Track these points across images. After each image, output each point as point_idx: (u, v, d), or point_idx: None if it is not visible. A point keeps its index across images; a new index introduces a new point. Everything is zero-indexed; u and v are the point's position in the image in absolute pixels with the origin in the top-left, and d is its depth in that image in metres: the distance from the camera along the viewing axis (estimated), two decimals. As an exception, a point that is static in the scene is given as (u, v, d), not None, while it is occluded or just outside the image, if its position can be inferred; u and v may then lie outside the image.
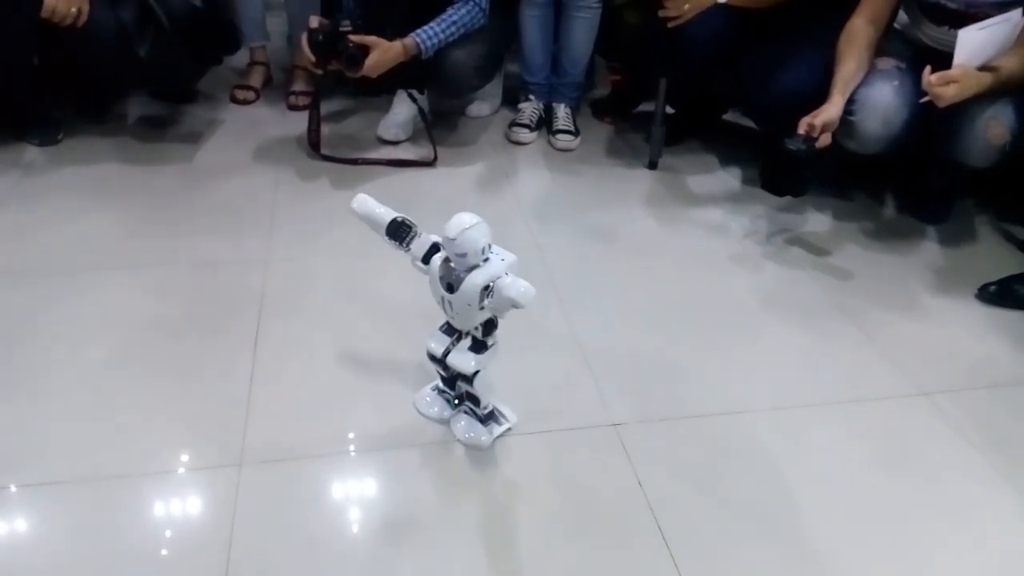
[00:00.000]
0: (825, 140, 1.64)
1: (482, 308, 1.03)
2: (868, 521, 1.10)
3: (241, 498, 1.07)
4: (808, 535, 1.07)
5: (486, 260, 1.03)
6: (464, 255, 1.01)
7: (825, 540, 1.07)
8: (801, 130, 1.62)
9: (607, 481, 1.14)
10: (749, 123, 2.26)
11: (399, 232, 1.10)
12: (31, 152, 1.96)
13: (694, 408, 1.28)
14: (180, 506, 1.07)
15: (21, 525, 1.03)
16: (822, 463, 1.20)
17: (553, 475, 1.14)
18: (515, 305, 0.99)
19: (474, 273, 1.02)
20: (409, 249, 1.10)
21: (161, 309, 1.44)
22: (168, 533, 1.03)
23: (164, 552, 1.00)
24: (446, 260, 1.05)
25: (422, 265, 1.09)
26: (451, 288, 1.05)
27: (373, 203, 1.12)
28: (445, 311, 1.09)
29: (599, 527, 1.07)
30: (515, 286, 0.98)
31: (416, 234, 1.09)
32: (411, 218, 1.11)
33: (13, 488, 1.07)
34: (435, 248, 1.08)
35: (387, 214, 1.11)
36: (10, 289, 1.47)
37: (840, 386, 1.36)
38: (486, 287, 1.01)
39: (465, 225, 1.00)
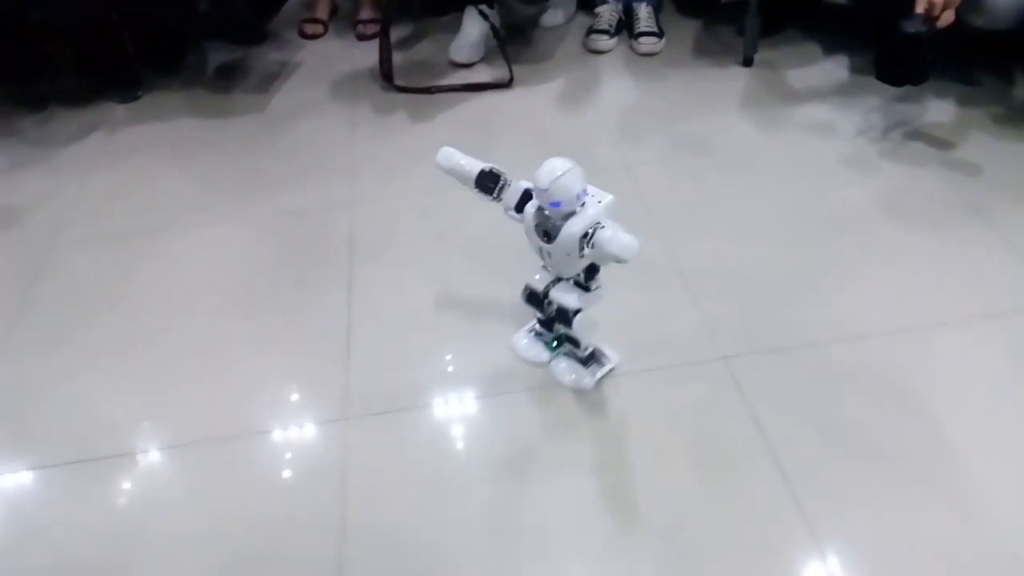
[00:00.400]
0: (947, 18, 1.45)
1: (582, 256, 0.97)
2: (1017, 452, 1.01)
3: (351, 452, 1.08)
4: (946, 469, 0.99)
5: (582, 205, 0.96)
6: (558, 204, 0.94)
7: (967, 474, 0.99)
8: (919, 9, 1.43)
9: (720, 419, 1.08)
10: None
11: (488, 183, 1.04)
12: (113, 111, 1.98)
13: (810, 334, 1.19)
14: (291, 465, 1.08)
15: (141, 490, 1.07)
16: (959, 388, 1.10)
17: (662, 415, 1.09)
18: (618, 260, 0.92)
19: (571, 221, 0.96)
20: (501, 199, 1.04)
21: (252, 263, 1.44)
22: (281, 494, 1.04)
23: (280, 512, 1.02)
24: (541, 207, 0.99)
25: (516, 214, 1.03)
26: (548, 236, 0.99)
27: (458, 156, 1.06)
28: (544, 260, 1.04)
29: (715, 466, 1.02)
30: (617, 240, 0.92)
31: (506, 183, 1.04)
32: (496, 162, 1.04)
33: (132, 454, 1.11)
34: (528, 195, 1.02)
35: (473, 166, 1.05)
36: (106, 251, 1.50)
37: (976, 299, 1.24)
38: (585, 234, 0.95)
39: (557, 172, 0.93)
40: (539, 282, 1.08)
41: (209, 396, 1.18)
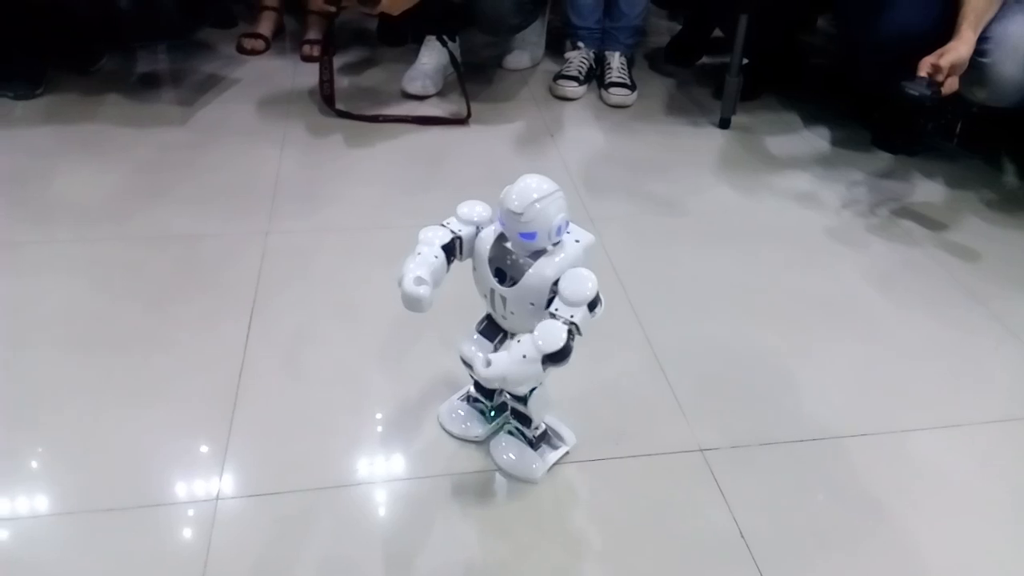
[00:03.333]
0: (951, 86, 1.32)
1: (551, 310, 0.72)
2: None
3: (216, 539, 0.81)
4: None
5: (555, 244, 0.74)
6: (532, 236, 0.72)
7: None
8: (923, 72, 1.30)
9: (696, 525, 0.85)
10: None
11: (452, 255, 0.79)
12: (7, 106, 1.71)
13: (800, 430, 0.98)
14: (145, 545, 0.80)
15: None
16: (961, 499, 0.90)
17: (626, 514, 0.85)
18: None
19: (543, 262, 0.74)
20: (461, 255, 0.80)
21: (134, 293, 1.17)
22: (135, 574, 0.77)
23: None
24: (500, 239, 0.77)
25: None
26: (503, 275, 0.76)
27: (424, 268, 0.75)
28: (493, 308, 0.80)
29: (689, 594, 0.79)
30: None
31: (457, 234, 0.78)
32: (444, 204, 0.81)
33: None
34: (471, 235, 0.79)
35: (437, 256, 0.77)
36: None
37: (980, 398, 1.06)
38: (556, 281, 0.73)
39: (534, 195, 0.71)
40: (472, 350, 0.82)
41: (53, 453, 0.90)
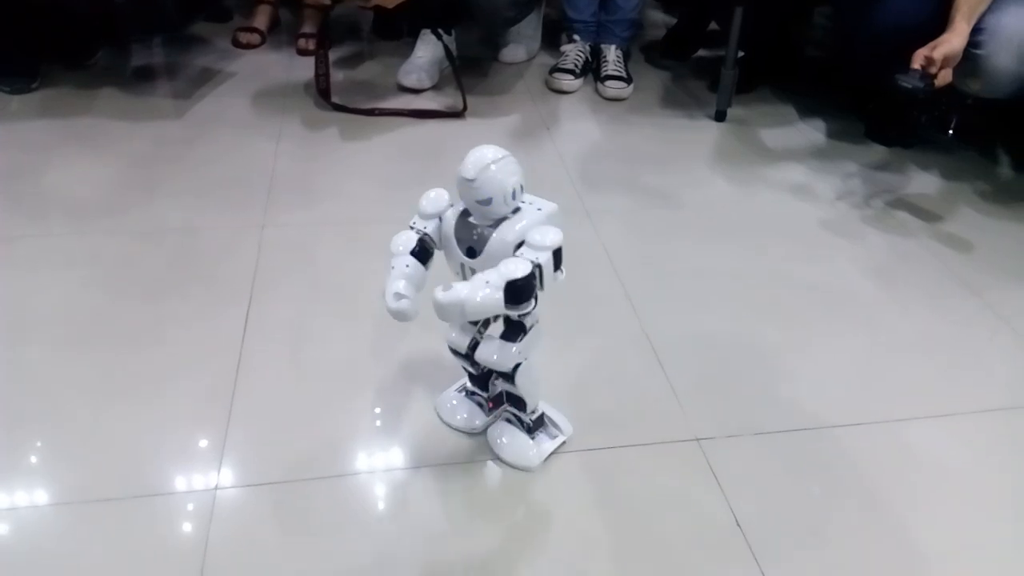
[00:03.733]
0: (945, 78, 1.32)
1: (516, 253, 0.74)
2: (1009, 566, 0.82)
3: (215, 528, 0.81)
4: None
5: (516, 211, 0.76)
6: (488, 201, 0.73)
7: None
8: (916, 64, 1.30)
9: (692, 513, 0.85)
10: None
11: (427, 252, 0.80)
12: (1, 100, 1.71)
13: (795, 419, 0.99)
14: (145, 535, 0.81)
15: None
16: (956, 490, 0.90)
17: (622, 503, 0.86)
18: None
19: (503, 226, 0.75)
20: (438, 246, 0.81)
21: (130, 286, 1.17)
22: (132, 564, 0.77)
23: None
24: (463, 215, 0.78)
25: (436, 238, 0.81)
26: (472, 252, 0.77)
27: (400, 282, 0.77)
28: (466, 282, 0.81)
29: (683, 572, 0.79)
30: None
31: (423, 232, 0.80)
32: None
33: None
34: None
35: (409, 264, 0.79)
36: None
37: (975, 388, 1.06)
38: (519, 244, 0.74)
39: (487, 160, 0.73)
40: (459, 337, 0.85)
41: (54, 445, 0.90)
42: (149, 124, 1.65)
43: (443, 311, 0.70)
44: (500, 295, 0.70)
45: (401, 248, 0.79)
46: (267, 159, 1.54)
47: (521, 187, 0.75)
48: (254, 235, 1.30)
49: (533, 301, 0.74)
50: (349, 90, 1.82)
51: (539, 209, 0.77)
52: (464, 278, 0.80)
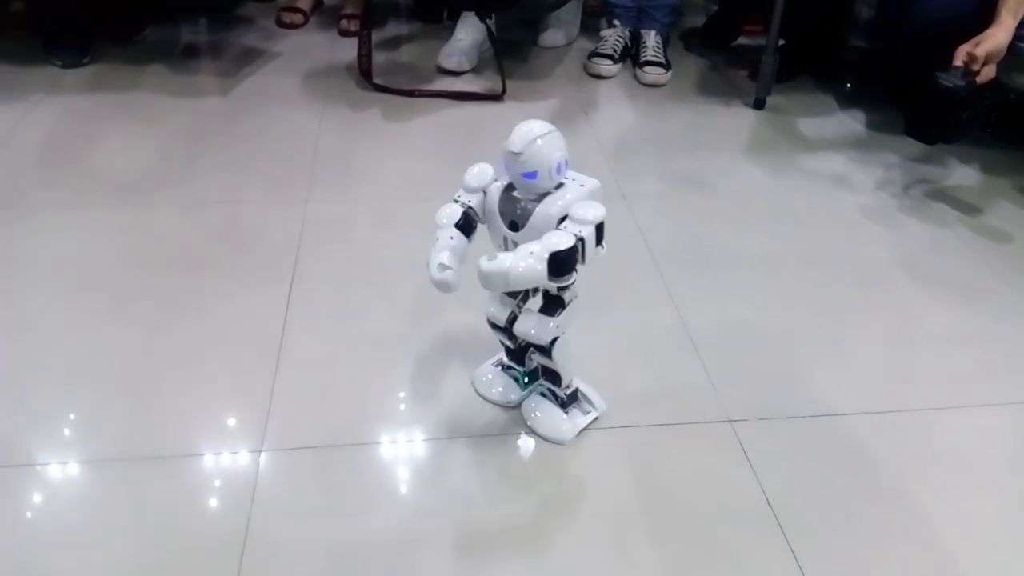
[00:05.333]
0: (988, 74, 1.31)
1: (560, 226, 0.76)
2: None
3: (260, 489, 0.85)
4: (962, 569, 0.80)
5: (560, 186, 0.77)
6: (534, 174, 0.75)
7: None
8: (958, 61, 1.30)
9: (723, 492, 0.87)
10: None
11: (471, 225, 0.82)
12: (56, 74, 1.76)
13: (827, 405, 1.00)
14: (193, 493, 0.85)
15: (34, 506, 0.83)
16: (984, 481, 0.91)
17: (653, 480, 0.88)
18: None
19: (547, 200, 0.77)
20: (482, 220, 0.84)
21: (178, 255, 1.21)
22: (180, 524, 0.81)
23: (172, 544, 0.78)
24: (507, 189, 0.80)
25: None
26: (515, 226, 0.79)
27: (444, 252, 0.79)
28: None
29: (713, 548, 0.81)
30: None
31: (468, 206, 0.82)
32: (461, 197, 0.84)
33: (30, 465, 0.87)
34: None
35: (453, 236, 0.81)
36: (11, 223, 1.26)
37: (1007, 381, 1.06)
38: (563, 218, 0.76)
39: (534, 134, 0.75)
40: (498, 310, 0.87)
41: (107, 406, 0.95)
42: (195, 100, 1.69)
43: (487, 280, 0.72)
44: (543, 266, 0.72)
45: (446, 220, 0.81)
46: (310, 137, 1.57)
47: (566, 162, 0.77)
48: (298, 210, 1.33)
49: (574, 274, 0.75)
50: (390, 71, 1.84)
51: (582, 185, 0.79)
52: (507, 251, 0.82)
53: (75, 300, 1.11)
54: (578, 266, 0.75)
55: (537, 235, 0.75)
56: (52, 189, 1.37)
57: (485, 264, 0.72)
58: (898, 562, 0.81)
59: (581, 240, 0.74)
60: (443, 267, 0.78)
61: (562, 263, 0.72)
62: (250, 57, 1.91)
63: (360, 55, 1.76)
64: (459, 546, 0.80)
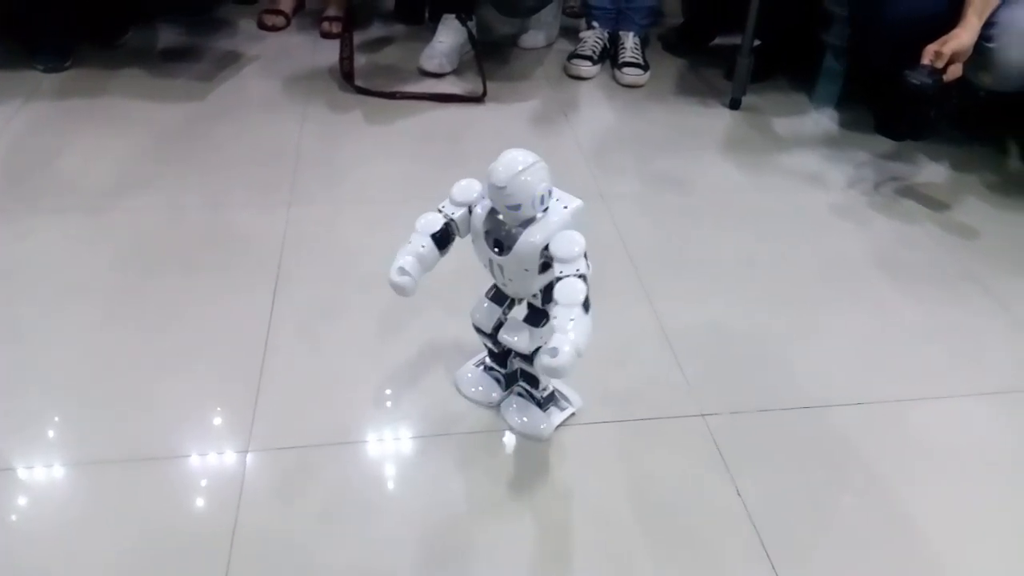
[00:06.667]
0: (955, 73, 1.35)
1: (543, 273, 0.79)
2: (1001, 540, 0.86)
3: (247, 489, 0.87)
4: (929, 554, 0.83)
5: (545, 210, 0.79)
6: (518, 207, 0.77)
7: (945, 558, 0.83)
8: (926, 60, 1.33)
9: (695, 485, 0.90)
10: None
11: (448, 237, 0.85)
12: (36, 78, 1.76)
13: (800, 397, 1.03)
14: (180, 494, 0.87)
15: (15, 508, 0.85)
16: (948, 466, 0.95)
17: (627, 474, 0.91)
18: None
19: (531, 229, 0.78)
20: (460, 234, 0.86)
21: (162, 259, 1.23)
22: (168, 524, 0.83)
23: (159, 545, 0.80)
24: (493, 211, 0.82)
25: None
26: (501, 248, 0.81)
27: (408, 258, 0.83)
28: (494, 276, 0.86)
29: (685, 541, 0.84)
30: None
31: (452, 220, 0.84)
32: (459, 179, 0.86)
33: (11, 470, 0.89)
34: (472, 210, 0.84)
35: (424, 244, 0.83)
36: (-4, 231, 1.28)
37: (976, 372, 1.10)
38: (546, 247, 0.78)
39: (518, 167, 0.75)
40: (484, 317, 0.90)
41: (92, 410, 0.96)
42: (176, 104, 1.70)
43: (564, 371, 0.71)
44: (587, 317, 0.74)
45: (422, 228, 0.83)
46: (292, 140, 1.59)
47: (550, 192, 0.78)
48: (281, 213, 1.35)
49: None
50: (372, 73, 1.86)
51: (565, 207, 0.80)
52: (492, 273, 0.85)
53: (60, 304, 1.13)
54: None
55: (521, 262, 0.78)
56: (36, 195, 1.38)
57: (555, 362, 0.70)
58: (869, 549, 0.84)
59: (583, 276, 0.76)
60: (402, 271, 0.81)
61: (586, 302, 0.75)
62: (231, 60, 1.92)
63: (342, 58, 1.78)
64: (445, 541, 0.83)
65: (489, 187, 0.77)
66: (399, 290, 0.81)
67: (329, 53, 1.90)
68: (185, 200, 1.38)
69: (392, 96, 1.76)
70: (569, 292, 0.74)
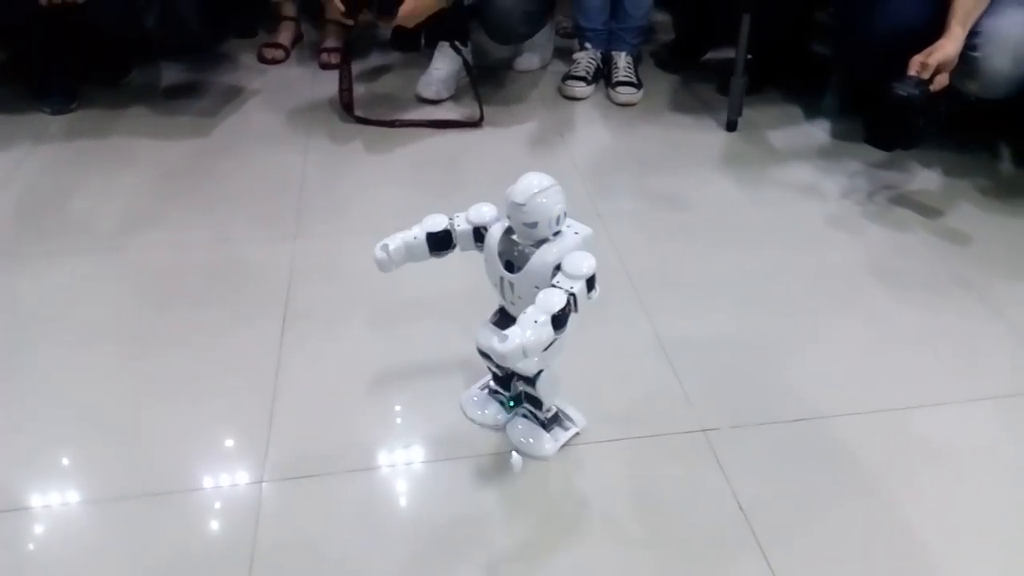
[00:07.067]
0: (941, 82, 1.38)
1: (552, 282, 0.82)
2: (1000, 544, 0.88)
3: (263, 519, 0.90)
4: (931, 560, 0.85)
5: (557, 233, 0.83)
6: (534, 225, 0.81)
7: (949, 566, 0.86)
8: (912, 71, 1.36)
9: (697, 500, 0.93)
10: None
11: (443, 246, 0.90)
12: (44, 120, 1.81)
13: (799, 409, 1.06)
14: (196, 527, 0.90)
15: (34, 545, 0.87)
16: (949, 473, 0.97)
17: (631, 491, 0.94)
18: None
19: (544, 248, 0.83)
20: (457, 245, 0.91)
21: (172, 295, 1.26)
22: (185, 554, 0.86)
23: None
24: (507, 232, 0.85)
25: (478, 246, 0.90)
26: (511, 267, 0.85)
27: (397, 241, 0.91)
28: (503, 295, 0.89)
29: (690, 552, 0.86)
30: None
31: (453, 229, 0.90)
32: (462, 204, 0.91)
33: (23, 509, 0.92)
34: (479, 233, 0.89)
35: (418, 237, 0.90)
36: (9, 271, 1.31)
37: (973, 378, 1.12)
38: (558, 266, 0.81)
39: (536, 188, 0.80)
40: (488, 339, 0.93)
41: (106, 446, 0.99)
42: (181, 141, 1.74)
43: (505, 359, 0.76)
44: (549, 327, 0.77)
45: (425, 224, 0.90)
46: (295, 171, 1.62)
47: (564, 214, 0.83)
48: (287, 245, 1.38)
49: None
50: (370, 102, 1.90)
51: (576, 233, 0.84)
52: (501, 291, 0.88)
53: (72, 343, 1.16)
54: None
55: (532, 279, 0.82)
56: (49, 236, 1.41)
57: (500, 346, 0.75)
58: (870, 559, 0.86)
59: (572, 295, 0.79)
60: (384, 248, 0.88)
61: (559, 319, 0.78)
62: (233, 94, 1.97)
63: (341, 89, 1.82)
64: (459, 560, 0.85)
65: (509, 205, 0.82)
66: (377, 264, 0.90)
67: (328, 84, 1.94)
68: (193, 236, 1.42)
69: (391, 124, 1.80)
70: (547, 299, 0.78)
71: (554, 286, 0.80)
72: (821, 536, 0.89)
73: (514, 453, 0.98)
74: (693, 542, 0.88)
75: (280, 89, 2.00)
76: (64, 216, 1.48)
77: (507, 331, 0.76)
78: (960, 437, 1.03)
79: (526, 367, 0.89)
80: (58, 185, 1.58)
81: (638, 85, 1.96)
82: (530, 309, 0.78)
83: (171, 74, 2.08)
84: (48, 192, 1.55)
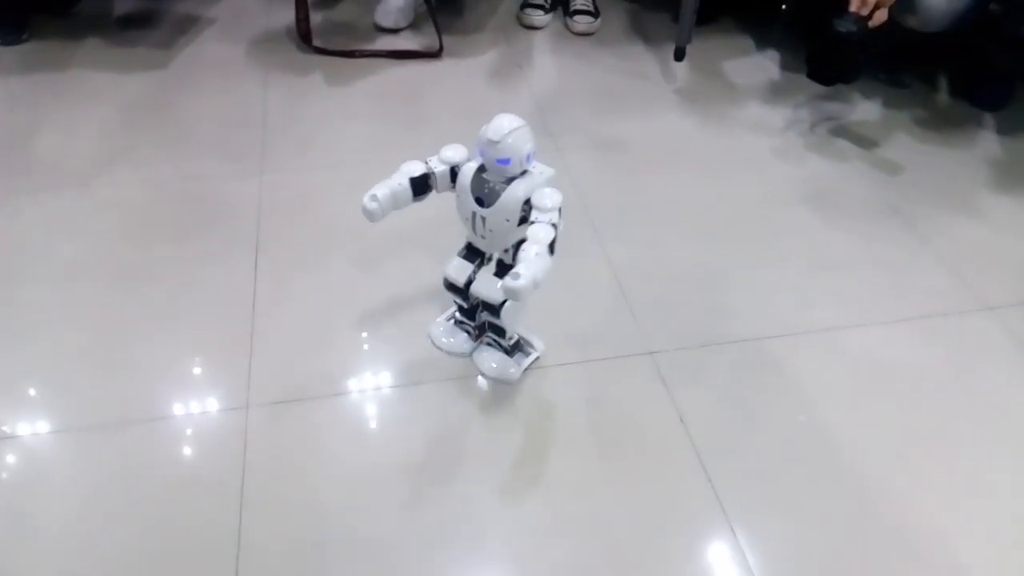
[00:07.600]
0: (880, 18, 1.44)
1: (520, 226, 0.91)
2: (923, 453, 1.01)
3: (252, 445, 0.98)
4: (858, 468, 0.98)
5: (525, 172, 0.91)
6: (507, 161, 0.89)
7: (876, 473, 0.98)
8: (852, 7, 1.42)
9: (644, 414, 1.04)
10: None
11: (423, 188, 0.96)
12: (-4, 54, 1.78)
13: (737, 331, 1.16)
14: (188, 452, 0.98)
15: (30, 474, 0.95)
16: (876, 388, 1.09)
17: (586, 407, 1.04)
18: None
19: (514, 184, 0.90)
20: (434, 188, 0.97)
21: (145, 231, 1.31)
22: (176, 481, 0.94)
23: (171, 511, 0.92)
24: (479, 171, 0.92)
25: (452, 186, 0.97)
26: (482, 202, 0.93)
27: (384, 189, 0.94)
28: (474, 229, 0.97)
29: (637, 461, 0.98)
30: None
31: (432, 172, 0.96)
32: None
33: (13, 437, 0.98)
34: (455, 172, 0.96)
35: (401, 183, 0.95)
36: (-19, 213, 1.34)
37: (895, 301, 1.24)
38: (527, 200, 0.89)
39: (508, 128, 0.88)
40: (457, 272, 1.01)
41: (93, 377, 1.06)
42: (139, 73, 1.73)
43: (520, 295, 0.83)
44: (548, 255, 0.86)
45: (405, 170, 0.95)
46: (257, 105, 1.64)
47: (533, 152, 0.90)
48: (254, 180, 1.42)
49: None
50: (328, 32, 1.90)
51: (541, 172, 0.92)
52: (472, 225, 0.96)
53: (53, 279, 1.21)
54: None
55: (503, 213, 0.90)
56: (15, 173, 1.43)
57: (513, 283, 0.82)
58: (800, 467, 0.98)
59: (554, 225, 0.88)
60: (373, 198, 0.93)
61: (551, 247, 0.87)
62: (188, 23, 1.94)
63: (298, 18, 1.81)
64: (429, 472, 0.95)
65: (482, 142, 0.89)
66: (367, 215, 0.93)
67: (284, 12, 1.92)
68: (161, 171, 1.44)
69: (351, 55, 1.81)
70: (538, 233, 0.87)
71: (533, 222, 0.88)
72: (754, 447, 1.01)
73: (479, 378, 1.07)
74: (639, 450, 0.99)
75: (235, 17, 1.98)
76: (30, 153, 1.49)
77: (517, 268, 0.83)
78: (887, 355, 1.14)
79: (493, 295, 0.97)
80: (19, 120, 1.57)
81: (595, 14, 1.98)
82: (527, 246, 0.86)
83: (123, 2, 2.03)
84: (10, 127, 1.55)
